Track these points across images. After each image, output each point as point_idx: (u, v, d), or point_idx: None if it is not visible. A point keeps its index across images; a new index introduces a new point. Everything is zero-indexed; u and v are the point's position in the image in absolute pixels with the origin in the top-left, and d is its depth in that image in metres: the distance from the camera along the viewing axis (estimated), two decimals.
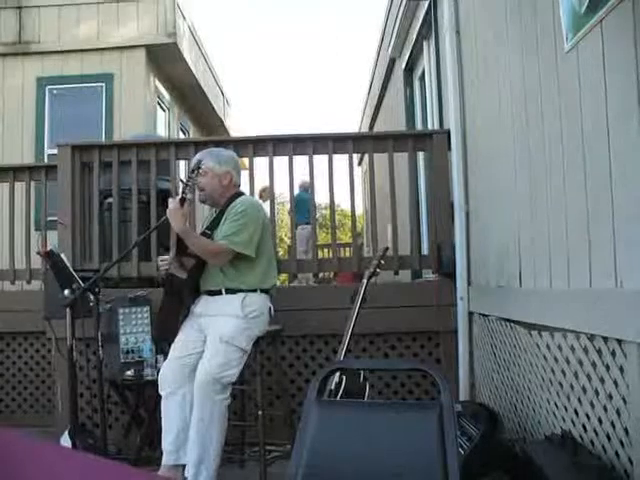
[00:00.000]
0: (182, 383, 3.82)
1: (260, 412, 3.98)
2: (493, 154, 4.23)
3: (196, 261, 3.94)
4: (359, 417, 2.39)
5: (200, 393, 3.68)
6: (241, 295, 3.90)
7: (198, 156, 4.10)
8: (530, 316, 3.44)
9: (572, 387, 2.90)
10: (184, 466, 3.71)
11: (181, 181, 3.89)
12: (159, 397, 3.89)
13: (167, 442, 3.79)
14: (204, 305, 4.00)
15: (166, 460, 3.77)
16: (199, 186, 4.06)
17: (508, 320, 3.84)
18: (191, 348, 3.90)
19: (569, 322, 2.89)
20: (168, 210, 3.81)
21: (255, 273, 3.96)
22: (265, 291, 4.02)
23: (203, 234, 4.07)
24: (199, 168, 3.89)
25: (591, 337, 2.67)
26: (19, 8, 9.34)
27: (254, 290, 3.94)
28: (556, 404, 3.11)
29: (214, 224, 4.08)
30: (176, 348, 3.94)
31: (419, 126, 8.00)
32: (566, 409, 2.98)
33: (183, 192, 3.82)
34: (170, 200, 3.88)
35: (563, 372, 3.00)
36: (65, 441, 3.92)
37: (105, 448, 3.90)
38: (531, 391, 3.50)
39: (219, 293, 3.95)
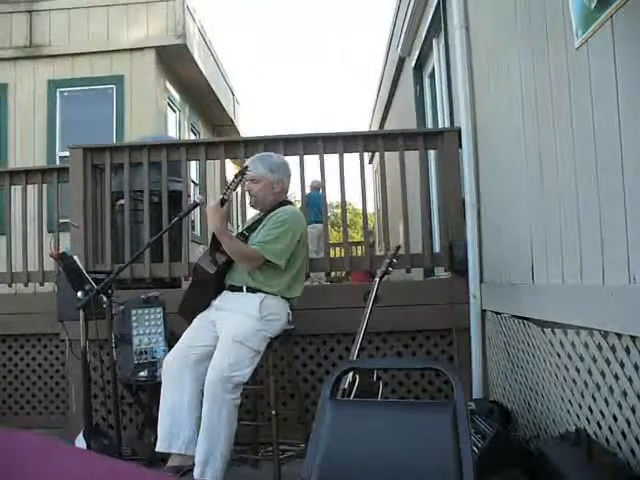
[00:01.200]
0: (184, 371, 3.84)
1: (274, 412, 3.98)
2: (504, 152, 4.22)
3: (227, 258, 3.97)
4: (373, 416, 2.39)
5: (210, 391, 3.69)
6: (261, 296, 3.92)
7: (249, 161, 4.17)
8: (543, 313, 3.43)
9: (586, 384, 2.89)
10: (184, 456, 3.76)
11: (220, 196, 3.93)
12: None
13: (162, 428, 3.82)
14: (224, 299, 4.04)
15: (159, 447, 3.80)
16: (251, 192, 4.14)
17: (521, 317, 3.83)
18: (200, 340, 3.92)
19: (582, 319, 2.88)
20: (207, 208, 3.87)
21: (281, 282, 3.98)
22: (286, 298, 4.04)
23: (241, 234, 4.13)
24: (243, 174, 3.95)
25: (605, 334, 2.66)
26: (30, 12, 9.39)
27: (275, 295, 3.96)
28: (570, 401, 3.10)
29: (253, 227, 4.13)
30: (186, 337, 3.98)
31: (429, 124, 8.00)
32: (580, 406, 2.97)
33: (224, 193, 3.87)
34: (210, 199, 3.94)
35: (577, 369, 2.99)
36: (80, 443, 3.94)
37: (119, 449, 3.91)
38: (545, 388, 3.49)
39: (240, 290, 3.98)
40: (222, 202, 3.83)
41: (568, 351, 3.10)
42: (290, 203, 4.27)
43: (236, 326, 3.82)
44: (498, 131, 4.37)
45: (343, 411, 2.43)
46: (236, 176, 3.92)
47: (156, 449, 3.81)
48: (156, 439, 3.84)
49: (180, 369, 3.85)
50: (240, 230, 4.28)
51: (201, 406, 3.75)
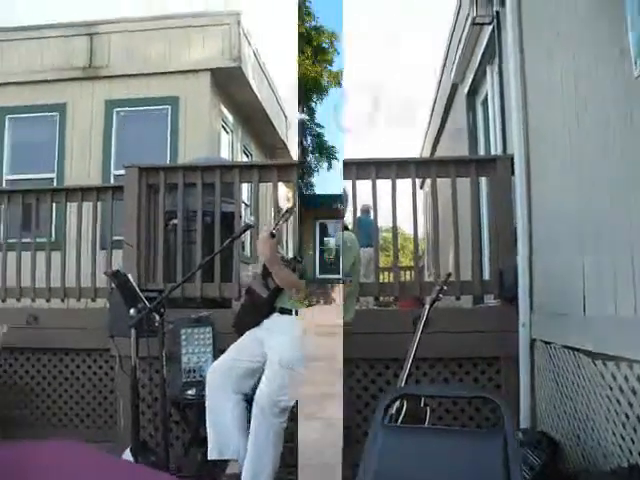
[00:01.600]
0: (227, 382, 3.90)
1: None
2: (558, 180, 4.18)
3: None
4: (424, 444, 2.39)
5: (258, 413, 3.71)
6: None
7: None
8: (594, 345, 3.37)
9: (639, 419, 2.84)
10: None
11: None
12: None
13: (210, 437, 3.88)
14: (274, 319, 4.08)
15: (210, 455, 3.86)
16: None
17: (571, 348, 3.77)
18: (246, 355, 3.98)
19: (635, 351, 2.83)
20: (258, 240, 3.97)
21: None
22: None
23: (294, 259, 4.20)
24: (292, 211, 4.09)
25: None
26: (90, 35, 9.64)
27: None
28: (622, 436, 3.04)
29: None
30: (232, 350, 4.05)
31: (482, 151, 7.97)
32: (633, 441, 2.91)
33: (274, 227, 3.95)
34: (263, 230, 4.03)
35: (629, 403, 2.93)
36: (127, 457, 3.98)
37: (167, 465, 3.94)
38: (595, 422, 3.42)
39: (290, 313, 4.02)
40: (272, 235, 3.90)
41: (620, 384, 3.04)
42: (346, 228, 4.29)
43: (284, 349, 3.84)
44: (552, 159, 4.33)
45: (394, 437, 2.43)
46: (283, 214, 4.00)
47: (208, 457, 3.87)
48: (203, 456, 3.89)
49: (223, 380, 3.91)
50: (292, 254, 4.33)
51: (245, 415, 3.79)
